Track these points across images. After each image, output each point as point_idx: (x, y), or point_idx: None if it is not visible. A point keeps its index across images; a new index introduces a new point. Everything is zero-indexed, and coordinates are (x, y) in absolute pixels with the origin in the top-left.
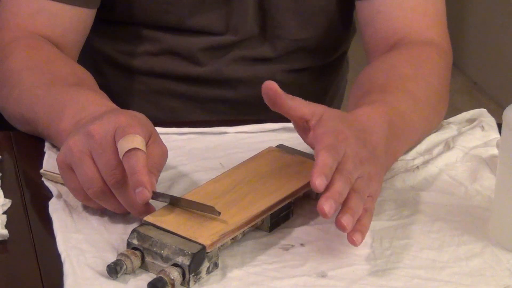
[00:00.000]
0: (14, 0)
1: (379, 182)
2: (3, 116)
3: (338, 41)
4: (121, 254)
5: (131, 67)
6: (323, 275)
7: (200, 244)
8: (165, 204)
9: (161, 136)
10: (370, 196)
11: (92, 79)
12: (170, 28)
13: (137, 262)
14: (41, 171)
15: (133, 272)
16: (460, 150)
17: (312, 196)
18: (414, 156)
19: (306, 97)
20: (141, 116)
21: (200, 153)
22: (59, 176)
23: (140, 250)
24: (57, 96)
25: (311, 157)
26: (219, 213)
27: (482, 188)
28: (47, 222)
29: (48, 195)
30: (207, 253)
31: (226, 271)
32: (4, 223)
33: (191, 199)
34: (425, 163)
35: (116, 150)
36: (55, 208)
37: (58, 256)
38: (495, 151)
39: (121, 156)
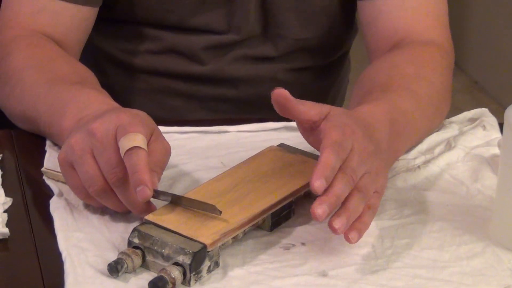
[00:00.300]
0: None
1: (386, 178)
2: (4, 114)
3: (340, 40)
4: (122, 253)
5: (133, 66)
6: (324, 275)
7: (201, 243)
8: (166, 202)
9: (163, 135)
10: (377, 192)
11: (94, 78)
12: (172, 26)
13: (138, 261)
14: (42, 169)
15: (134, 271)
16: (462, 149)
17: (313, 195)
18: (415, 155)
19: (307, 97)
20: (142, 114)
21: (201, 152)
22: (60, 174)
23: (141, 249)
24: (59, 94)
25: (312, 156)
26: (220, 212)
27: (484, 188)
28: (48, 220)
29: (49, 194)
30: (208, 252)
31: (227, 270)
32: (5, 222)
33: (192, 198)
34: (427, 162)
35: (117, 148)
36: (56, 206)
37: (59, 254)
38: (496, 150)
39: (122, 155)
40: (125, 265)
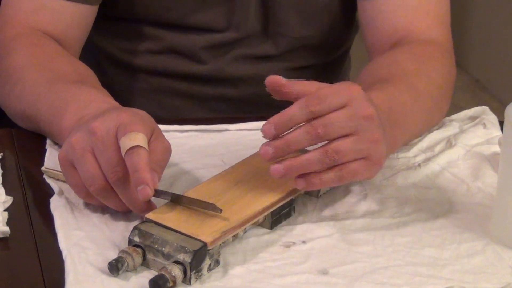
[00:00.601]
0: None
1: (383, 148)
2: (4, 113)
3: (340, 39)
4: (123, 251)
5: (133, 65)
6: (324, 273)
7: (201, 241)
8: (167, 201)
9: (163, 134)
10: (365, 159)
11: (94, 77)
12: (172, 25)
13: (138, 259)
14: (43, 168)
15: (134, 269)
16: (462, 147)
17: (314, 194)
18: (415, 153)
19: None
20: (143, 113)
21: (201, 151)
22: (61, 173)
23: (142, 247)
24: (59, 93)
25: None
26: (221, 210)
27: (484, 186)
28: (49, 219)
29: (50, 193)
30: (209, 250)
31: (228, 268)
32: (6, 221)
33: (192, 197)
34: (427, 160)
35: (118, 147)
36: (56, 205)
37: (59, 253)
38: (497, 148)
39: (123, 154)
40: (126, 264)
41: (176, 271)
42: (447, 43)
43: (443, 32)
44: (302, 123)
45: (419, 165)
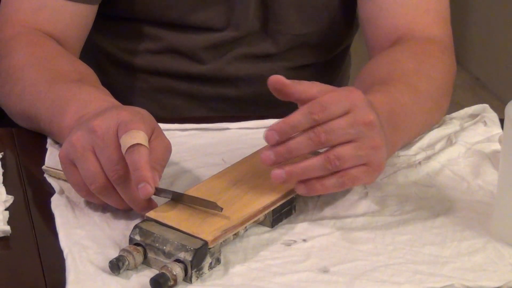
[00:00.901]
0: None
1: (383, 155)
2: (5, 113)
3: (340, 36)
4: (124, 250)
5: (133, 65)
6: (325, 271)
7: (202, 239)
8: (167, 200)
9: (164, 132)
10: (366, 165)
11: (94, 76)
12: (172, 24)
13: (139, 258)
14: (43, 167)
15: (135, 268)
16: (463, 145)
17: None
18: (416, 151)
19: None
20: (143, 112)
21: (202, 149)
22: (62, 172)
23: (143, 246)
24: (59, 92)
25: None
26: (221, 209)
27: (485, 183)
28: (49, 218)
29: (50, 191)
30: (209, 248)
31: (229, 266)
32: (7, 220)
33: (193, 195)
34: (427, 158)
35: (118, 145)
36: (57, 204)
37: (60, 252)
38: (497, 146)
39: (123, 152)
40: (127, 262)
41: (177, 270)
42: (447, 40)
43: (444, 30)
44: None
45: (419, 163)
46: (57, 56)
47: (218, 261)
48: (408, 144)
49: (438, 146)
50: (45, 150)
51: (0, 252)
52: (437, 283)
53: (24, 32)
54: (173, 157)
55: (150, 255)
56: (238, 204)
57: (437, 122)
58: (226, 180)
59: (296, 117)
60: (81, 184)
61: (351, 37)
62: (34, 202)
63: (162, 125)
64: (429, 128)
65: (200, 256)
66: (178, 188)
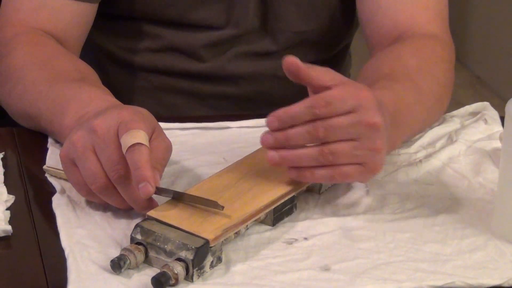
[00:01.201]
0: None
1: (383, 159)
2: (6, 112)
3: (340, 34)
4: (125, 249)
5: (133, 64)
6: (326, 269)
7: (203, 238)
8: (168, 199)
9: (164, 132)
10: (361, 165)
11: (95, 75)
12: (171, 23)
13: (140, 257)
14: (44, 167)
15: (136, 267)
16: (463, 143)
17: (316, 190)
18: (417, 149)
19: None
20: (144, 111)
21: (203, 148)
22: (62, 172)
23: (144, 245)
24: (60, 91)
25: None
26: (223, 208)
27: (485, 181)
28: (51, 217)
29: (52, 191)
30: (211, 247)
31: (230, 265)
32: (8, 219)
33: (194, 194)
34: (428, 156)
35: (119, 145)
36: (58, 203)
37: (61, 251)
38: (498, 144)
39: (124, 151)
40: (128, 261)
41: (178, 269)
42: (446, 36)
43: (442, 26)
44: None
45: (420, 161)
46: (58, 56)
47: (219, 259)
48: (407, 141)
49: (439, 144)
50: (46, 149)
51: (1, 251)
52: (438, 281)
53: (25, 31)
54: (174, 156)
55: (152, 254)
56: (239, 203)
57: (437, 120)
58: (227, 179)
59: (297, 109)
60: (82, 184)
61: (351, 35)
62: (35, 201)
63: (163, 125)
64: (429, 126)
65: (202, 254)
66: (179, 187)
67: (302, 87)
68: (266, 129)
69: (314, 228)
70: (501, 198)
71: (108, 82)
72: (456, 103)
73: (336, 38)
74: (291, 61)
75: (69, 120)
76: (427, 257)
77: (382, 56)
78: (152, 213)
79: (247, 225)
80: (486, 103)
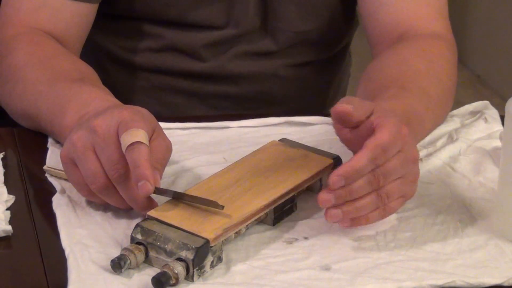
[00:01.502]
0: None
1: (417, 185)
2: (6, 113)
3: (340, 33)
4: (125, 249)
5: (134, 64)
6: (327, 268)
7: (203, 238)
8: (168, 199)
9: (164, 131)
10: (403, 197)
11: (95, 75)
12: (172, 22)
13: (141, 257)
14: (45, 167)
15: (137, 267)
16: (464, 142)
17: (316, 190)
18: (417, 148)
19: (309, 92)
20: (144, 111)
21: (203, 148)
22: (63, 172)
23: (144, 245)
24: (60, 91)
25: (314, 150)
26: (223, 207)
27: (486, 180)
28: (51, 217)
29: (52, 191)
30: (211, 247)
31: (230, 265)
32: (8, 219)
33: (194, 194)
34: (429, 155)
35: (119, 144)
36: (58, 203)
37: (62, 251)
38: (498, 143)
39: (124, 150)
40: (128, 261)
41: (179, 268)
42: (449, 35)
43: (444, 25)
44: None
45: (421, 160)
46: (58, 56)
47: (219, 259)
48: None
49: (439, 143)
50: (46, 149)
51: (2, 251)
52: (438, 280)
53: (25, 31)
54: (174, 156)
55: (152, 254)
56: (239, 202)
57: (441, 123)
58: (227, 179)
59: (363, 162)
60: (82, 184)
61: (351, 34)
62: (35, 201)
63: (163, 124)
64: (434, 129)
65: (202, 254)
66: (179, 186)
67: (302, 87)
68: (267, 128)
69: (314, 228)
70: (501, 197)
71: (109, 82)
72: (456, 102)
73: (336, 38)
74: (342, 109)
75: (69, 120)
76: (428, 256)
77: (388, 58)
78: (152, 213)
79: (247, 225)
80: (486, 102)
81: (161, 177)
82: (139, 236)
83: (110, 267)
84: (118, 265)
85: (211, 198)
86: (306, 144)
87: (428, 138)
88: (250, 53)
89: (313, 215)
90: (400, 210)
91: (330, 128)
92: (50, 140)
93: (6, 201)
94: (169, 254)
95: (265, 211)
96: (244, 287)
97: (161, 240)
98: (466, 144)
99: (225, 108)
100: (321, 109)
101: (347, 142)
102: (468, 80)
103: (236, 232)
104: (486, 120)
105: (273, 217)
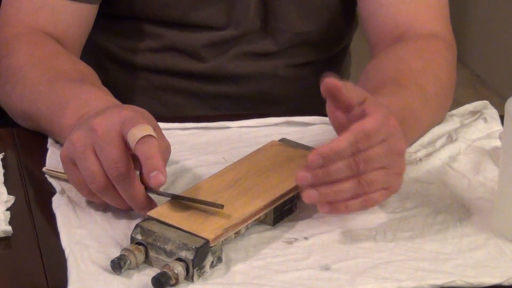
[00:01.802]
0: None
1: (402, 180)
2: (6, 113)
3: (340, 34)
4: (125, 249)
5: (134, 64)
6: (327, 268)
7: (203, 238)
8: (168, 199)
9: (164, 131)
10: (386, 190)
11: (95, 75)
12: (172, 23)
13: (141, 257)
14: (44, 169)
15: (137, 267)
16: (463, 142)
17: None
18: (417, 148)
19: (309, 92)
20: (144, 111)
21: (203, 148)
22: (62, 174)
23: (144, 245)
24: (60, 91)
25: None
26: (222, 206)
27: (485, 180)
28: (51, 218)
29: (51, 191)
30: (211, 247)
31: (230, 265)
32: (8, 220)
33: (194, 194)
34: (428, 155)
35: (119, 144)
36: (58, 204)
37: (62, 251)
38: (497, 142)
39: (133, 145)
40: (128, 262)
41: (179, 269)
42: (449, 35)
43: (444, 25)
44: None
45: (420, 160)
46: (58, 56)
47: (219, 259)
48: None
49: (438, 143)
50: (46, 150)
51: (1, 252)
52: (438, 280)
53: (25, 32)
54: (174, 156)
55: (152, 254)
56: (239, 203)
57: (440, 122)
58: (227, 179)
59: (343, 144)
60: (82, 184)
61: (351, 35)
62: (35, 202)
63: (162, 125)
64: (431, 128)
65: (202, 254)
66: (179, 186)
67: (302, 87)
68: (267, 128)
69: (314, 228)
70: (501, 196)
71: (109, 82)
72: (455, 102)
73: (336, 38)
74: (332, 83)
75: (69, 120)
76: (428, 256)
77: (386, 57)
78: (152, 213)
79: (247, 225)
80: (486, 102)
81: None
82: (139, 237)
83: (110, 267)
84: (118, 265)
85: (211, 198)
86: (306, 144)
87: (427, 138)
88: (250, 54)
89: (313, 215)
90: (399, 209)
91: (330, 128)
92: (49, 141)
93: (6, 201)
94: (169, 254)
95: (265, 211)
96: (244, 287)
97: (161, 240)
98: (466, 144)
99: (225, 108)
100: (321, 109)
101: (338, 129)
102: (468, 80)
103: (236, 232)
104: (485, 120)
105: (273, 217)
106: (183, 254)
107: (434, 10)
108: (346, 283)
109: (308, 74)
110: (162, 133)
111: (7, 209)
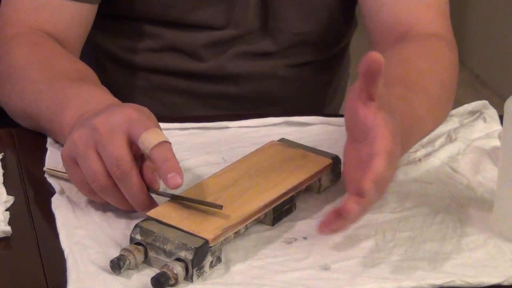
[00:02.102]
0: None
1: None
2: (5, 113)
3: (339, 34)
4: (124, 249)
5: (133, 63)
6: (326, 268)
7: (203, 238)
8: (168, 199)
9: (164, 132)
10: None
11: (94, 75)
12: (172, 23)
13: (140, 257)
14: (44, 168)
15: (136, 267)
16: (462, 142)
17: (315, 190)
18: (416, 148)
19: (308, 92)
20: (145, 110)
21: (202, 148)
22: (63, 173)
23: (143, 245)
24: (59, 91)
25: (313, 150)
26: (221, 206)
27: (485, 180)
28: (50, 218)
29: (51, 191)
30: (210, 247)
31: (229, 265)
32: (7, 220)
33: (193, 194)
34: (427, 155)
35: (122, 142)
36: (58, 204)
37: (61, 252)
38: (497, 142)
39: (147, 150)
40: (128, 262)
41: (178, 269)
42: (449, 35)
43: (445, 24)
44: None
45: (419, 160)
46: (57, 56)
47: (219, 259)
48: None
49: (438, 143)
50: (45, 150)
51: (1, 252)
52: (438, 280)
53: (24, 32)
54: None
55: (151, 254)
56: (238, 203)
57: (440, 124)
58: (226, 179)
59: (382, 165)
60: (83, 183)
61: (350, 35)
62: (34, 202)
63: (162, 125)
64: (433, 131)
65: (201, 254)
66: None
67: (301, 87)
68: (266, 128)
69: (313, 228)
70: (501, 196)
71: (108, 82)
72: (455, 102)
73: (336, 39)
74: (378, 59)
75: (69, 119)
76: (427, 255)
77: (391, 58)
78: (151, 213)
79: (246, 225)
80: (485, 102)
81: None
82: (138, 237)
83: (109, 267)
84: (117, 265)
85: (210, 198)
86: (305, 144)
87: (426, 138)
88: (250, 54)
89: (312, 215)
90: (399, 209)
91: (329, 128)
92: (49, 140)
93: (5, 202)
94: (168, 254)
95: (264, 211)
96: (243, 287)
97: (160, 241)
98: (465, 143)
99: (224, 108)
100: (320, 109)
101: (350, 126)
102: (467, 80)
103: (236, 232)
104: (485, 120)
105: (272, 217)
106: (183, 254)
107: (435, 9)
108: (345, 283)
109: (308, 74)
110: (162, 132)
111: (7, 210)
